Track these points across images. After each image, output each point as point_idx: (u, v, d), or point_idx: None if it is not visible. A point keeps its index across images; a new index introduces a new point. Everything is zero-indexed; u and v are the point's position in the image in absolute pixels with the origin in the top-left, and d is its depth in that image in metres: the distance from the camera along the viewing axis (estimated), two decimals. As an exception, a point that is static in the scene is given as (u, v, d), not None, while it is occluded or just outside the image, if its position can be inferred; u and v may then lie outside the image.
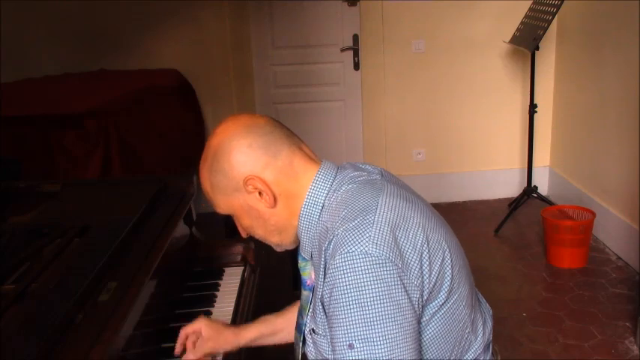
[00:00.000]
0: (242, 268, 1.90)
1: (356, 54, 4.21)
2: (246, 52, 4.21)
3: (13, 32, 3.95)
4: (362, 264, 1.04)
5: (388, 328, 1.03)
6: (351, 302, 1.04)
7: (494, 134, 4.35)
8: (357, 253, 1.04)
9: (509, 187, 4.37)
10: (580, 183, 3.93)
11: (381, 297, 1.03)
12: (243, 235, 1.30)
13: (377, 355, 1.03)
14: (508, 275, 3.39)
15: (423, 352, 1.14)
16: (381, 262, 1.04)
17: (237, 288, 1.78)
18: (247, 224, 1.24)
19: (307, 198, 1.18)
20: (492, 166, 4.42)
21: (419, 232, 1.10)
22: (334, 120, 4.37)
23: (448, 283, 1.13)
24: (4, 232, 1.53)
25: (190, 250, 1.89)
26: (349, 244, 1.05)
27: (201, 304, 1.60)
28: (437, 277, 1.11)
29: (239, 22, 4.15)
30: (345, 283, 1.04)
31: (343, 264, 1.04)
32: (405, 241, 1.08)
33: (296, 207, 1.19)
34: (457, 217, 4.15)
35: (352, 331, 1.04)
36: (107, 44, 4.11)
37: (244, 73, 4.24)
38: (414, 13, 4.11)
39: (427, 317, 1.12)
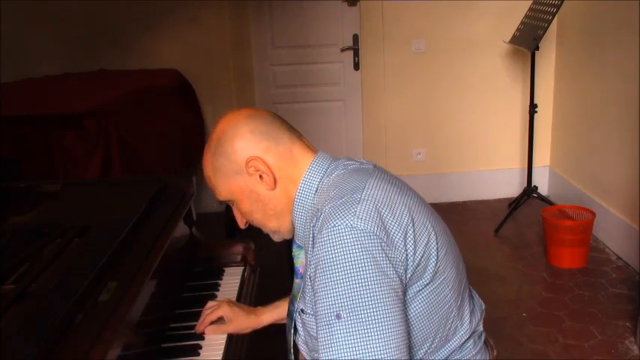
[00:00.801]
0: (242, 268, 1.90)
1: (356, 54, 4.21)
2: (246, 52, 4.21)
3: (13, 32, 3.96)
4: (347, 236, 1.06)
5: (375, 297, 1.04)
6: (337, 273, 1.06)
7: (494, 134, 4.35)
8: (342, 226, 1.07)
9: (509, 187, 4.37)
10: (580, 183, 3.93)
11: (367, 267, 1.05)
12: (241, 224, 1.32)
13: (365, 324, 1.04)
14: (508, 275, 3.39)
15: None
16: (365, 234, 1.06)
17: (237, 288, 1.79)
18: (246, 209, 1.26)
19: (302, 182, 1.22)
20: (492, 166, 4.42)
21: (404, 212, 1.13)
22: (334, 120, 4.37)
23: (433, 264, 1.15)
24: (4, 232, 1.53)
25: (190, 250, 1.89)
26: (335, 218, 1.08)
27: (201, 304, 1.59)
28: (421, 257, 1.13)
29: (239, 22, 4.15)
30: (330, 255, 1.06)
31: (329, 237, 1.07)
32: (391, 219, 1.11)
33: (293, 192, 1.23)
34: (457, 217, 4.15)
35: (339, 301, 1.05)
36: (107, 44, 4.11)
37: (244, 73, 4.24)
38: (414, 13, 4.11)
39: (411, 295, 1.14)
